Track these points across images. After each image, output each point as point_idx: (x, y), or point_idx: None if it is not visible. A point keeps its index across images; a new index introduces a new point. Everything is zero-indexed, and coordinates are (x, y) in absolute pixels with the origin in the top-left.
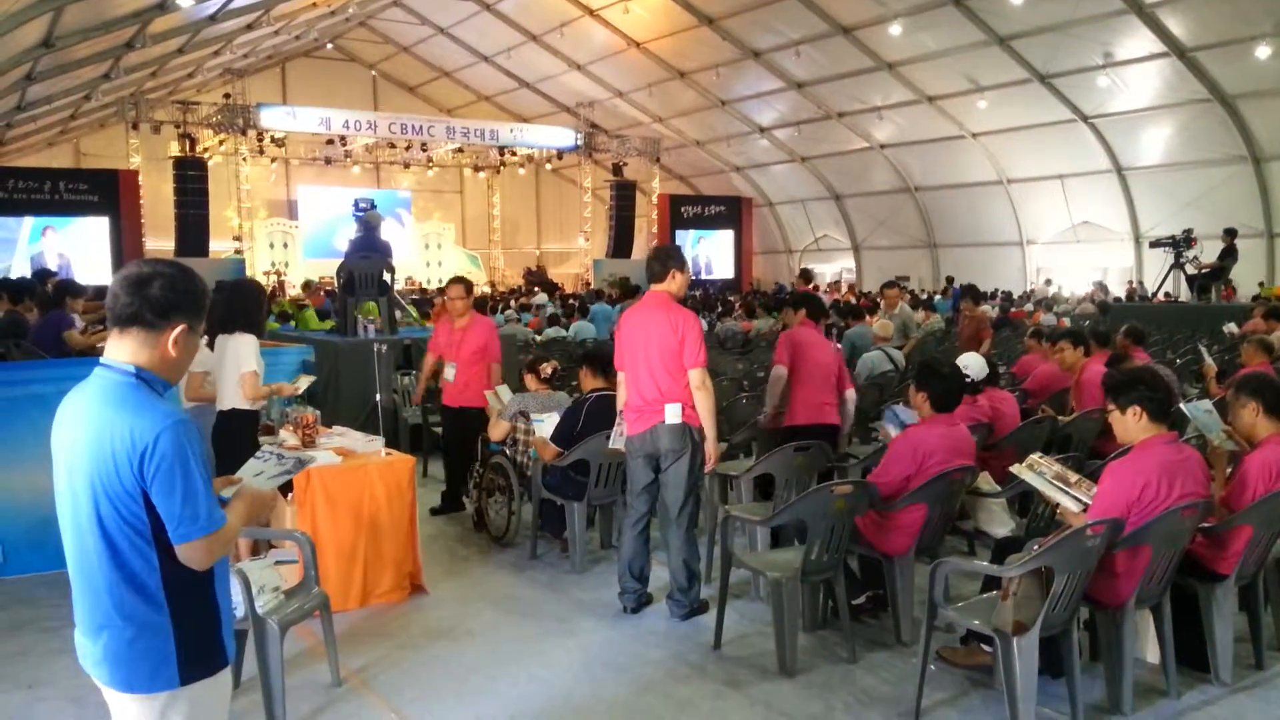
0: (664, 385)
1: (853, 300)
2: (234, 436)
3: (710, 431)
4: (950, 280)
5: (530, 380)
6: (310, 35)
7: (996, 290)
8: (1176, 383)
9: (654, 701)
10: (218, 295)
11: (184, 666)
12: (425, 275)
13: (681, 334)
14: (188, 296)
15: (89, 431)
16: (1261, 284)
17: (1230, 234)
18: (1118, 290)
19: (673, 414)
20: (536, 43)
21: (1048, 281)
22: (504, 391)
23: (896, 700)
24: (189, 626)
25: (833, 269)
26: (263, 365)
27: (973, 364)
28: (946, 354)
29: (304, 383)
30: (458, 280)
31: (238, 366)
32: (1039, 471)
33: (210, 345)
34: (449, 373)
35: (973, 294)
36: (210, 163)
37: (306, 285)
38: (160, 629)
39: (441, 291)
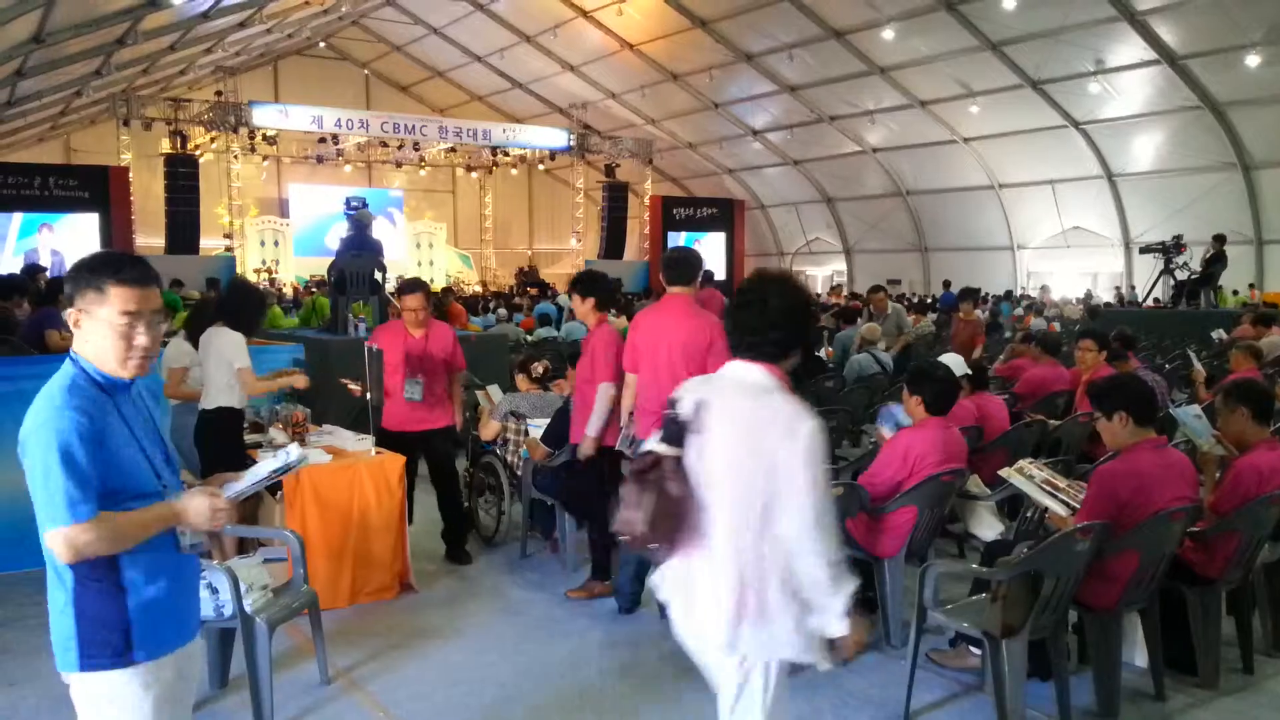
0: None
1: (842, 303)
2: (220, 435)
3: None
4: (947, 284)
5: (521, 380)
6: (303, 34)
7: (987, 294)
8: (1165, 388)
9: (644, 701)
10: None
11: (83, 652)
12: (417, 275)
13: (710, 338)
14: (76, 273)
15: None
16: (1232, 290)
17: (1220, 240)
18: (1106, 296)
19: None
20: (530, 43)
21: (1043, 288)
22: (494, 391)
23: (885, 702)
24: (88, 614)
25: (824, 272)
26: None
27: (952, 364)
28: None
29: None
30: (416, 286)
31: (225, 363)
32: (1028, 475)
33: (194, 342)
34: (414, 391)
35: (971, 297)
36: (201, 160)
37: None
38: (64, 611)
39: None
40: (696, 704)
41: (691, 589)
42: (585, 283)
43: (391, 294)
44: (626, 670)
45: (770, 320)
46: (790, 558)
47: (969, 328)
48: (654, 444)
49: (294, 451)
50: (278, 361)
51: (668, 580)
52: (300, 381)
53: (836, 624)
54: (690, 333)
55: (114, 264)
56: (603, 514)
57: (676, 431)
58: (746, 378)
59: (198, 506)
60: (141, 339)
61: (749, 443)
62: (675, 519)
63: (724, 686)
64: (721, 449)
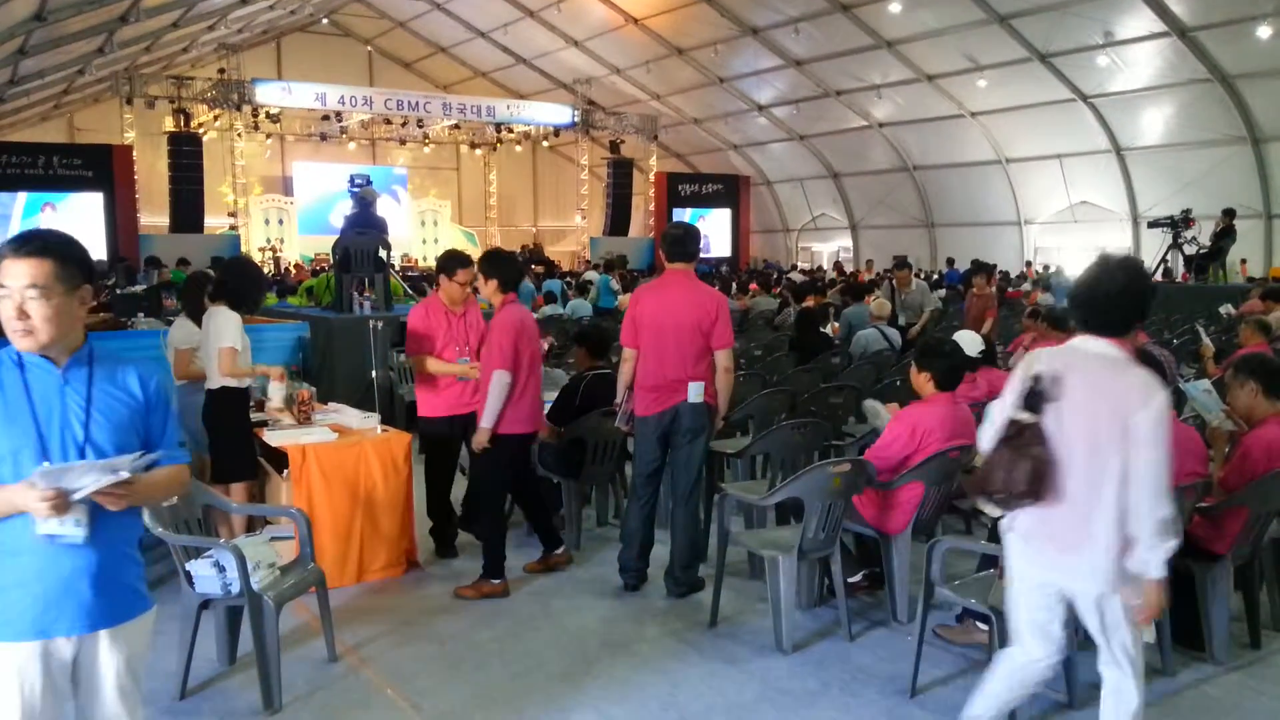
0: (691, 364)
1: (866, 279)
2: (225, 414)
3: (724, 410)
4: (951, 262)
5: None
6: (305, 10)
7: (1005, 270)
8: (1174, 363)
9: (650, 678)
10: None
11: None
12: (422, 252)
13: (716, 314)
14: None
15: None
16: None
17: (1229, 214)
18: None
19: (696, 393)
20: (533, 18)
21: (1045, 267)
22: None
23: (892, 678)
24: None
25: (830, 248)
26: (246, 343)
27: (967, 341)
28: (946, 333)
29: (276, 392)
30: (468, 260)
31: (218, 342)
32: None
33: (199, 321)
34: (468, 369)
35: (984, 271)
36: (205, 138)
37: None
38: None
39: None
40: (699, 679)
41: (1053, 535)
42: (488, 262)
43: (396, 269)
44: (630, 647)
45: (1117, 300)
46: (1129, 509)
47: (981, 302)
48: (1017, 412)
49: (144, 458)
50: (284, 339)
51: (1020, 528)
52: (275, 373)
53: (1155, 573)
54: (696, 309)
55: (14, 239)
56: (501, 507)
57: (1037, 400)
58: (1098, 350)
59: (21, 494)
60: (6, 310)
61: (1108, 408)
62: (1040, 477)
63: (1096, 622)
64: (1082, 414)
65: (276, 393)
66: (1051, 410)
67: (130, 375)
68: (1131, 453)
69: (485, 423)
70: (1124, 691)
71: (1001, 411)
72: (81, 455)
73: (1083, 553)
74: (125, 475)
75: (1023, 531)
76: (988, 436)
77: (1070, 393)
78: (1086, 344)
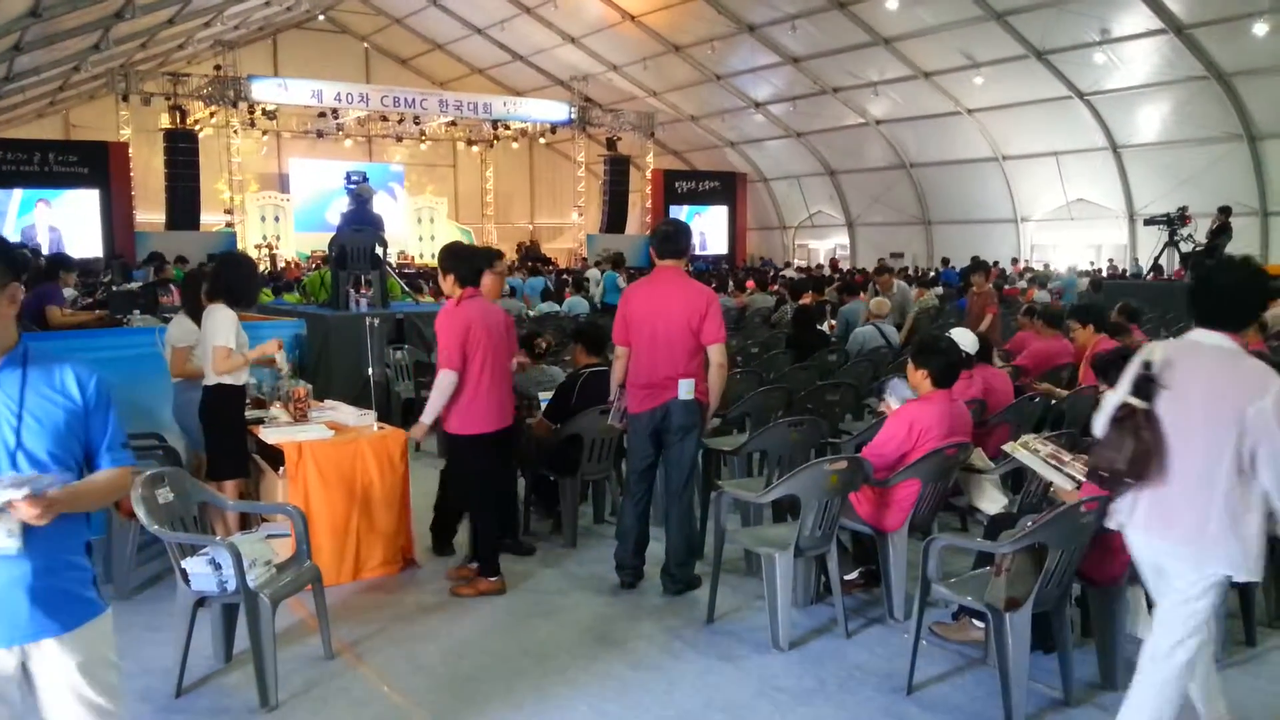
0: (681, 361)
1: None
2: (221, 411)
3: (715, 406)
4: (946, 261)
5: (521, 355)
6: (302, 6)
7: (995, 264)
8: None
9: (647, 676)
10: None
11: None
12: (418, 250)
13: (705, 310)
14: None
15: None
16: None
17: (1225, 212)
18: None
19: (686, 390)
20: (530, 15)
21: (1045, 265)
22: None
23: (889, 675)
24: None
25: (826, 245)
26: (243, 339)
27: (964, 340)
28: (943, 330)
29: (282, 360)
30: (496, 253)
31: (212, 340)
32: (1033, 450)
33: (197, 319)
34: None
35: (982, 269)
36: (201, 135)
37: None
38: None
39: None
40: (695, 676)
41: (1165, 517)
42: (446, 256)
43: (393, 267)
44: (626, 644)
45: (1233, 296)
46: (1265, 487)
47: (981, 299)
48: (1127, 396)
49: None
50: (280, 336)
51: (1125, 509)
52: (271, 348)
53: None
54: (686, 305)
55: None
56: (489, 506)
57: (1148, 386)
58: (1214, 343)
59: None
60: None
61: (1225, 397)
62: (1146, 460)
63: (1172, 599)
64: (1199, 401)
65: (283, 360)
66: (1165, 398)
67: (67, 377)
68: (1253, 438)
69: (424, 418)
70: (1144, 682)
71: (1115, 397)
72: (13, 462)
73: (1190, 534)
74: (26, 492)
75: (1133, 516)
76: (1101, 422)
77: (1186, 381)
78: (1203, 336)
